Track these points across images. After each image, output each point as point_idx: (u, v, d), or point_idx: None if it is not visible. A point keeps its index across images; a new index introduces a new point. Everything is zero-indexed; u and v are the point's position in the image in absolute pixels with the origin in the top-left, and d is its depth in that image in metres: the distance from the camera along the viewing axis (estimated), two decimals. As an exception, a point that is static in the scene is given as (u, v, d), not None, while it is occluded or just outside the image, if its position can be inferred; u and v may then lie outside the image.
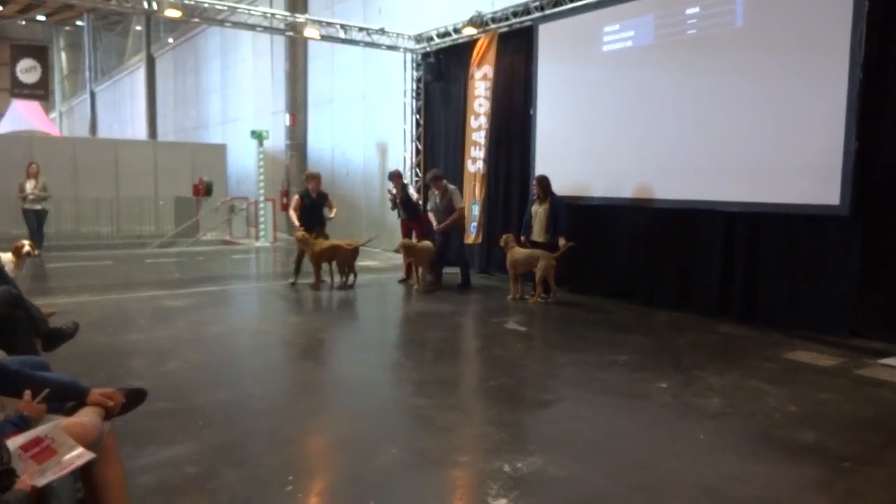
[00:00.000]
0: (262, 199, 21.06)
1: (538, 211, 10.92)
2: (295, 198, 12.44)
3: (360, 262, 13.75)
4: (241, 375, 6.82)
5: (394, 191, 12.63)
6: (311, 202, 12.33)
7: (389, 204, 12.79)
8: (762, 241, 9.61)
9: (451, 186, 12.44)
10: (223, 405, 5.94)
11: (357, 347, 8.01)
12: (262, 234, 20.59)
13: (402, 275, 12.90)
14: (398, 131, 16.95)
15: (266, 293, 11.53)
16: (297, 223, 12.07)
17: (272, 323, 9.23)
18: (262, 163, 21.53)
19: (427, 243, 12.01)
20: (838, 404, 6.18)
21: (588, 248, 11.42)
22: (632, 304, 10.84)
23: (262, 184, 21.41)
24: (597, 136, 11.37)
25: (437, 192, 12.34)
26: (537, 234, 10.93)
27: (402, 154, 16.49)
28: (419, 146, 15.95)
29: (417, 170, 15.80)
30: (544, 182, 10.90)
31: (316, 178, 12.53)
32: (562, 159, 12.00)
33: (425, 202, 13.41)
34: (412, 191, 13.09)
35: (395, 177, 12.64)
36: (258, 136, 21.21)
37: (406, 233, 12.80)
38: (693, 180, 10.10)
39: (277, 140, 23.23)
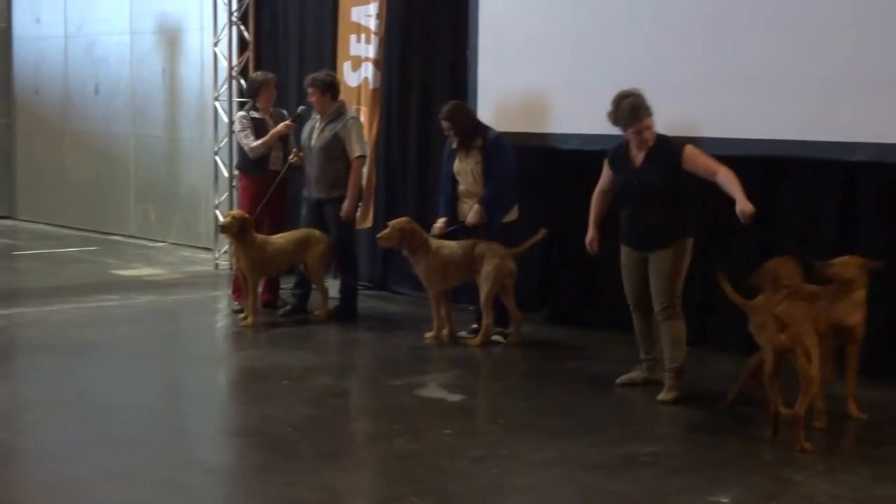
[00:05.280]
0: None
1: (463, 169, 8.28)
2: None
3: (132, 272, 11.41)
4: None
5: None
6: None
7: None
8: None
9: (350, 112, 8.90)
10: None
11: (109, 449, 5.93)
12: None
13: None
14: (199, 4, 12.90)
15: None
16: None
17: None
18: None
19: (313, 233, 8.82)
20: None
21: (578, 238, 8.00)
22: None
23: None
24: (597, 18, 8.53)
25: (316, 114, 8.84)
26: (468, 212, 8.35)
27: (212, 49, 12.37)
28: (245, 34, 11.99)
29: (241, 81, 11.79)
30: (460, 115, 8.07)
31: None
32: (527, 63, 9.02)
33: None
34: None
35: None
36: None
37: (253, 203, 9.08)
38: (799, 104, 7.37)
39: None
